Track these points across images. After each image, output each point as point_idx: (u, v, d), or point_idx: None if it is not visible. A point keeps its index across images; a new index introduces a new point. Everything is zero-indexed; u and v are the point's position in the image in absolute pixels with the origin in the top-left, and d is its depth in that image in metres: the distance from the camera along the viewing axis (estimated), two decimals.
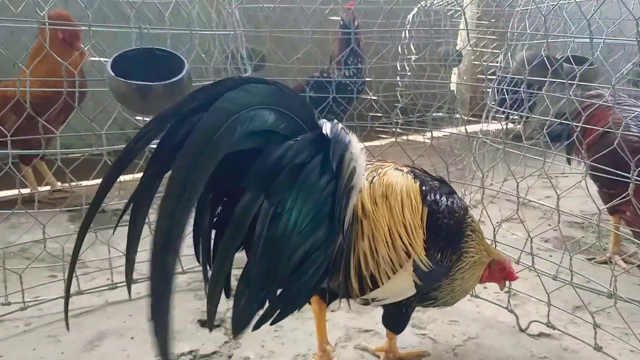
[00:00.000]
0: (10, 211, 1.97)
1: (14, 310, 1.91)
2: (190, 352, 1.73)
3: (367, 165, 1.41)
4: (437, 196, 1.44)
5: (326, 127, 1.22)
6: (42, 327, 1.86)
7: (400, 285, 1.42)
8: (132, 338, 1.81)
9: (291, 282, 1.17)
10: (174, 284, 0.98)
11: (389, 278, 1.38)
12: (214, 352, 1.74)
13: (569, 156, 2.73)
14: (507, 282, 1.68)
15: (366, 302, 1.46)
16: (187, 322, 1.90)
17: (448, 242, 1.44)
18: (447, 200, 1.45)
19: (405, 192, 1.41)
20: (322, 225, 1.18)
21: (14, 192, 2.00)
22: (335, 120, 1.27)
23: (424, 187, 1.44)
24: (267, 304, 1.17)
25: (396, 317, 1.57)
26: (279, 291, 1.18)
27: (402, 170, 1.48)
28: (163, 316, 1.00)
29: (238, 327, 1.15)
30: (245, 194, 1.09)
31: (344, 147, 1.22)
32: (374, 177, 1.44)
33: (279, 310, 1.20)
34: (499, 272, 1.62)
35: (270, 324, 1.20)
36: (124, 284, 2.13)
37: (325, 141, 1.19)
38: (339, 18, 3.41)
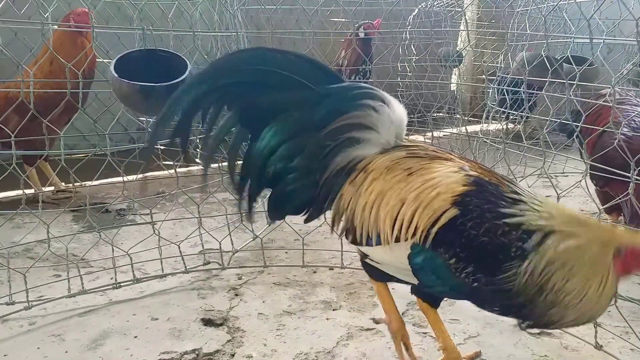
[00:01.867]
0: (15, 211, 1.99)
1: (18, 310, 1.92)
2: (193, 351, 1.75)
3: (430, 150, 1.49)
4: (487, 211, 1.32)
5: (341, 85, 1.46)
6: (46, 327, 1.88)
7: (389, 258, 1.43)
8: (135, 337, 1.82)
9: (277, 190, 1.50)
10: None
11: (369, 240, 1.44)
12: (217, 351, 1.75)
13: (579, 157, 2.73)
14: None
15: (364, 255, 1.52)
16: (190, 321, 1.92)
17: (472, 256, 1.32)
18: (497, 221, 1.30)
19: (435, 182, 1.37)
20: (297, 156, 1.46)
21: (18, 192, 2.01)
22: (360, 85, 1.49)
23: (472, 194, 1.34)
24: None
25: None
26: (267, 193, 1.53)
27: (464, 171, 1.39)
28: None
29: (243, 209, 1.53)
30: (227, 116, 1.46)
31: (343, 104, 1.43)
32: (420, 156, 1.45)
33: (271, 209, 1.53)
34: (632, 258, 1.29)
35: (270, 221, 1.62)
36: (128, 283, 2.15)
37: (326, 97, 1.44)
38: (359, 30, 3.42)
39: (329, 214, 1.54)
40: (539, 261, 1.30)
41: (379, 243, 1.42)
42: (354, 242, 1.50)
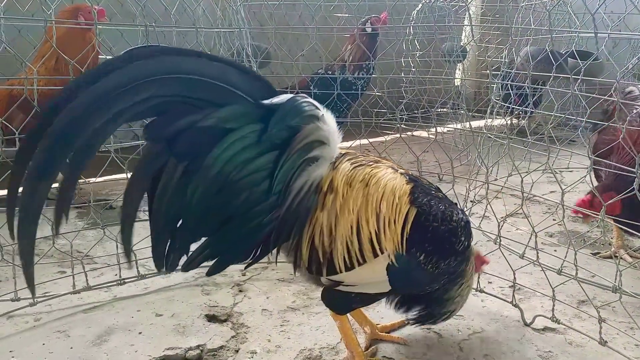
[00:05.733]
0: (19, 208, 1.99)
1: (24, 306, 1.93)
2: (197, 347, 1.75)
3: (360, 156, 1.49)
4: (432, 202, 1.44)
5: (279, 99, 1.27)
6: (51, 323, 1.89)
7: (370, 276, 1.42)
8: (140, 333, 1.83)
9: (221, 235, 1.27)
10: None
11: (351, 263, 1.39)
12: (221, 347, 1.76)
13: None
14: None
15: (334, 284, 1.47)
16: (194, 317, 1.92)
17: (436, 246, 1.42)
18: (444, 208, 1.44)
19: (391, 187, 1.42)
20: (247, 191, 1.25)
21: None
22: (301, 95, 1.32)
23: (416, 190, 1.44)
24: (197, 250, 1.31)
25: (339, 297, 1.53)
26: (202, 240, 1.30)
27: (396, 170, 1.49)
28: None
29: (156, 264, 1.30)
30: (148, 148, 1.20)
31: (297, 119, 1.28)
32: (362, 164, 1.45)
33: (216, 259, 1.32)
34: (478, 261, 1.66)
35: (207, 274, 1.37)
36: (133, 279, 2.15)
37: (270, 112, 1.25)
38: (365, 26, 3.40)
39: None
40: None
41: (353, 264, 1.40)
42: (330, 272, 1.41)
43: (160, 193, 1.21)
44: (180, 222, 1.24)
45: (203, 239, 1.30)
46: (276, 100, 1.27)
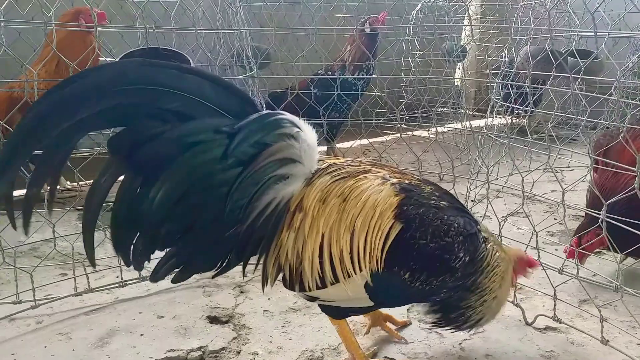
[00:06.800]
0: (20, 210, 1.99)
1: (25, 309, 1.93)
2: (199, 348, 1.75)
3: (348, 166, 1.43)
4: (426, 214, 1.34)
5: (252, 116, 1.26)
6: (53, 325, 1.89)
7: (345, 294, 1.38)
8: (141, 335, 1.83)
9: (184, 245, 1.28)
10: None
11: (323, 283, 1.35)
12: (223, 348, 1.76)
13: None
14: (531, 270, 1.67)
15: (310, 299, 1.45)
16: (196, 319, 1.92)
17: (424, 264, 1.34)
18: (439, 222, 1.35)
19: (373, 201, 1.34)
20: (208, 204, 1.24)
21: (23, 191, 2.01)
22: (277, 112, 1.31)
23: (406, 202, 1.35)
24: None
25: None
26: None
27: (386, 180, 1.39)
28: None
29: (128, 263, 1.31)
30: (109, 161, 1.22)
31: (265, 136, 1.26)
32: (344, 176, 1.38)
33: (180, 267, 1.32)
34: (521, 266, 1.60)
35: (172, 282, 1.38)
36: (134, 281, 2.15)
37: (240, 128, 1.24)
38: (364, 26, 3.40)
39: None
40: (489, 257, 1.45)
41: (330, 282, 1.36)
42: (302, 289, 1.39)
43: (119, 199, 1.24)
44: (141, 227, 1.26)
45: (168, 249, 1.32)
46: (251, 116, 1.26)
